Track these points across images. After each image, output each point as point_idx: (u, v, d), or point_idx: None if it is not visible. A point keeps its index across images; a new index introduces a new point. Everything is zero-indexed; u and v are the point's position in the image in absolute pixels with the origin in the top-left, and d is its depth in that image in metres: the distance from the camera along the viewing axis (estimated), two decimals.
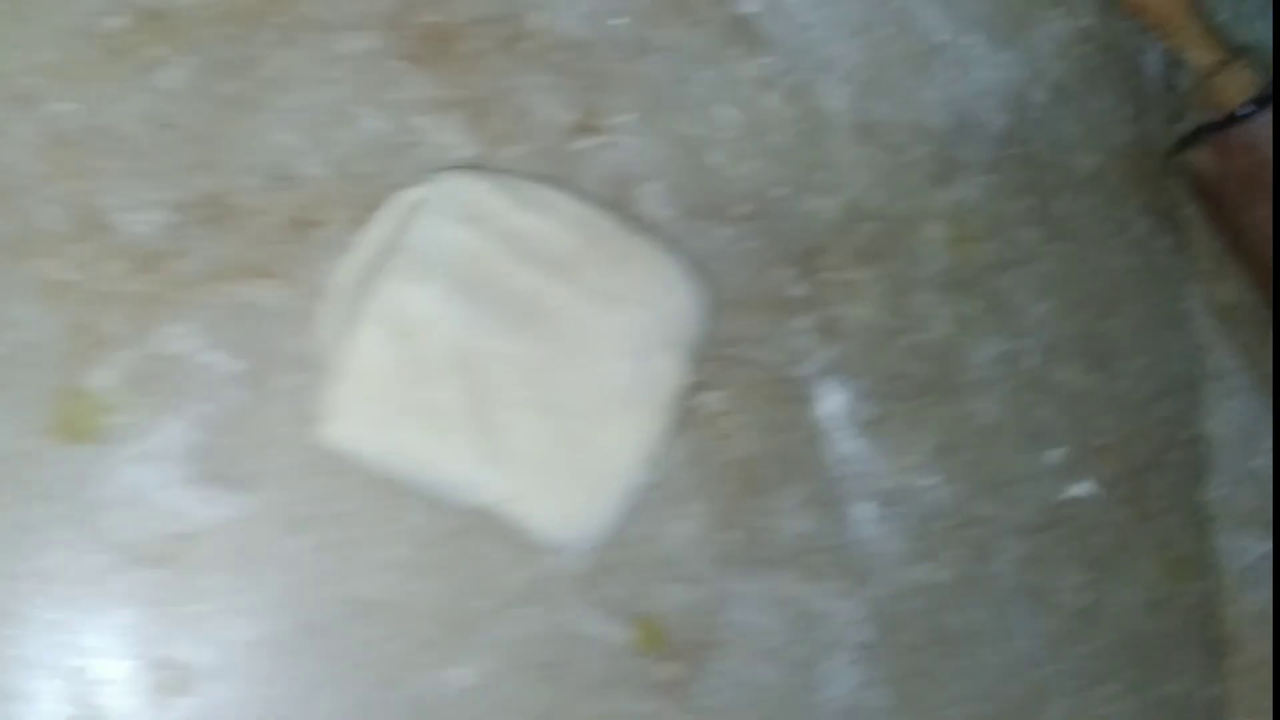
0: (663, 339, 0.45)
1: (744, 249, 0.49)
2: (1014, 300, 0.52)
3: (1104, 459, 0.52)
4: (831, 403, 0.49)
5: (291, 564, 0.44)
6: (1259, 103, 0.53)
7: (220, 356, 0.44)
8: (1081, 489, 0.52)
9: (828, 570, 0.48)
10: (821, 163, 0.50)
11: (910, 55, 0.52)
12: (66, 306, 0.44)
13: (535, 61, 0.48)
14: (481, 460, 0.43)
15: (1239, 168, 0.54)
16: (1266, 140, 0.53)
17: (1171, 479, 0.53)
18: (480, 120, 0.47)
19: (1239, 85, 0.54)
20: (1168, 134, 0.55)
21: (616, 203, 0.48)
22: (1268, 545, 0.54)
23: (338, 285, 0.44)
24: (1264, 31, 0.56)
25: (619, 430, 0.44)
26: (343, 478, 0.44)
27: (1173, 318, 0.55)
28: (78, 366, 0.43)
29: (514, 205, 0.44)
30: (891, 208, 0.51)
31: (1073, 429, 0.52)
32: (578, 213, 0.45)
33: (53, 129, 0.44)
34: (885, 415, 0.49)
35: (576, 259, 0.45)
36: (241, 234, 0.45)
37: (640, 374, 0.45)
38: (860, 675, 0.48)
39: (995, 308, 0.51)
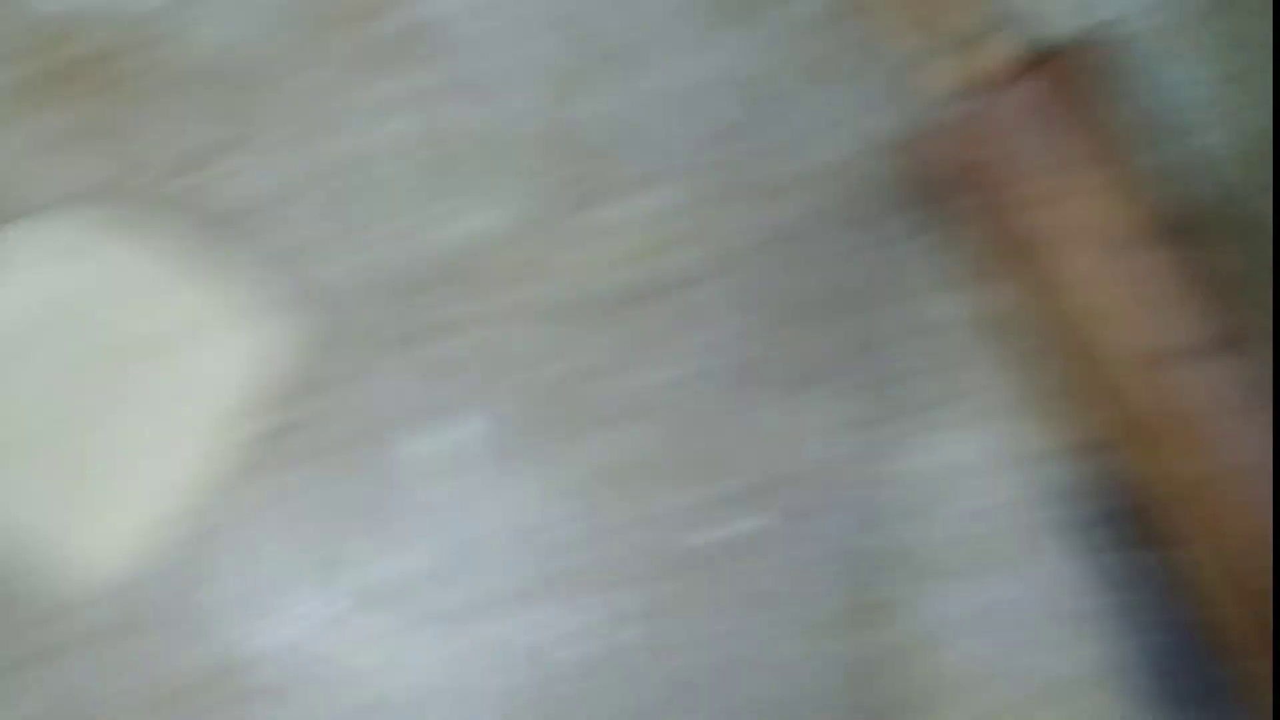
0: (236, 379, 0.45)
1: (377, 278, 0.47)
2: (703, 317, 0.48)
3: (771, 495, 0.48)
4: (450, 438, 0.47)
5: None
6: (1004, 82, 0.48)
7: None
8: (737, 527, 0.48)
9: None
10: (481, 179, 0.48)
11: (607, 51, 0.48)
12: None
13: (157, 91, 0.47)
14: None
15: (981, 155, 0.48)
16: (1007, 125, 0.47)
17: (858, 517, 0.49)
18: (89, 155, 0.46)
19: (986, 63, 0.49)
20: (917, 127, 0.50)
21: (236, 234, 0.47)
22: (978, 598, 0.49)
23: None
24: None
25: (166, 473, 0.44)
26: None
27: (899, 332, 0.50)
28: None
29: (88, 246, 0.45)
30: (563, 222, 0.48)
31: (742, 463, 0.48)
32: (164, 250, 0.45)
33: None
34: (518, 449, 0.47)
35: (154, 299, 0.45)
36: None
37: (196, 415, 0.44)
38: None
39: (677, 327, 0.48)
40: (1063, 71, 0.49)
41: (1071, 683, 0.48)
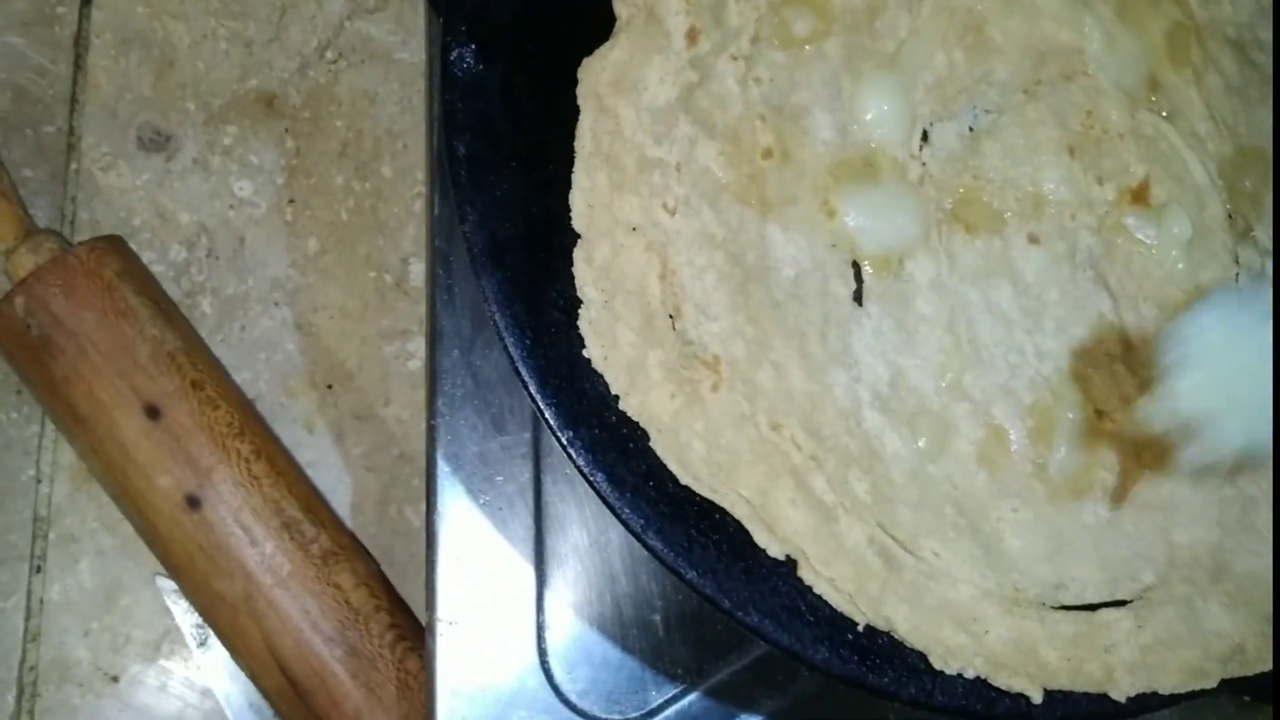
0: None
1: None
2: None
3: None
4: None
5: None
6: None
7: None
8: None
9: None
10: None
11: None
12: None
13: None
14: None
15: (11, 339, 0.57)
16: (38, 313, 0.57)
17: None
18: None
19: (32, 260, 0.59)
20: None
21: None
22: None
23: None
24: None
25: None
26: None
27: (15, 490, 0.58)
28: None
29: None
30: None
31: None
32: None
33: None
34: None
35: None
36: None
37: None
38: None
39: None
40: (82, 268, 0.58)
41: None
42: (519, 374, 0.47)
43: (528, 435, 0.57)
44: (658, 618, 0.56)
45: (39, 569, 0.59)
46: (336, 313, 0.67)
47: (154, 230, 0.67)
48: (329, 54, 0.70)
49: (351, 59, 0.70)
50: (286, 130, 0.68)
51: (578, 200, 0.49)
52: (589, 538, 0.56)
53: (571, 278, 0.49)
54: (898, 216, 0.52)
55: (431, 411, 0.57)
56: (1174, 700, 0.50)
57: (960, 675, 0.48)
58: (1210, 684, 0.50)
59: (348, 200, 0.69)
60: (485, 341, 0.57)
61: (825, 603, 0.48)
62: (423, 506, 0.63)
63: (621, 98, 0.50)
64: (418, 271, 0.68)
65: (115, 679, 0.57)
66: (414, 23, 0.70)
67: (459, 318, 0.57)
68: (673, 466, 0.47)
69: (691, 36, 0.52)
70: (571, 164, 0.50)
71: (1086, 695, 0.49)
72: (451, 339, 0.57)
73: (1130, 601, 0.51)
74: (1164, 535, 0.52)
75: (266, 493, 0.58)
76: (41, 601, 0.58)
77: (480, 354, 0.57)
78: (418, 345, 0.68)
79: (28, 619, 0.57)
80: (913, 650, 0.48)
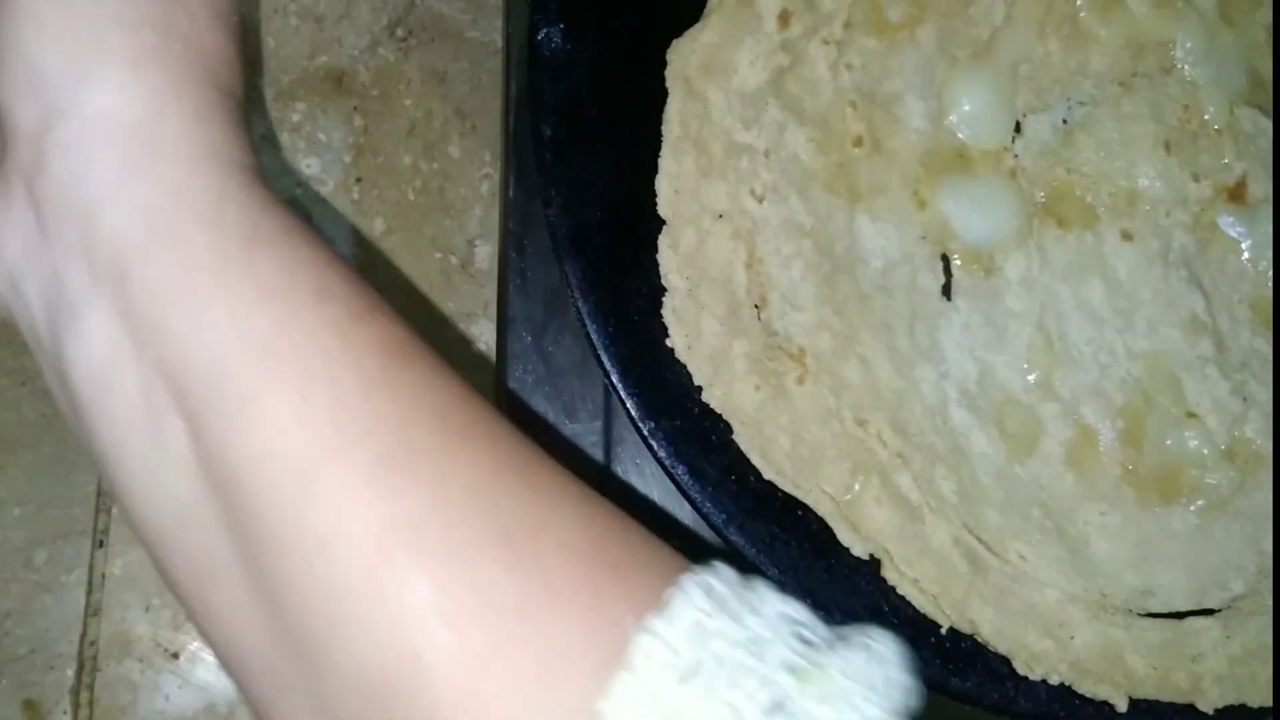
0: None
1: None
2: None
3: None
4: None
5: None
6: None
7: None
8: None
9: None
10: None
11: None
12: None
13: None
14: None
15: None
16: None
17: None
18: None
19: None
20: None
21: None
22: None
23: None
24: None
25: None
26: None
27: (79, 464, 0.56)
28: None
29: None
30: None
31: None
32: None
33: None
34: None
35: None
36: None
37: None
38: None
39: None
40: None
41: None
42: (600, 362, 0.46)
43: (599, 424, 0.56)
44: None
45: (101, 544, 0.58)
46: (402, 293, 0.66)
47: None
48: (399, 31, 0.69)
49: (422, 37, 0.69)
50: (355, 108, 0.67)
51: (664, 185, 0.48)
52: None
53: (655, 265, 0.48)
54: (994, 210, 0.51)
55: (501, 397, 0.56)
56: (1263, 714, 0.48)
57: (1044, 681, 0.47)
58: None
59: (415, 180, 0.68)
60: (558, 327, 0.56)
61: (908, 604, 0.47)
62: None
63: (711, 81, 0.49)
64: (484, 254, 0.67)
65: (175, 655, 0.57)
66: (485, 1, 0.69)
67: (531, 302, 0.57)
68: (756, 460, 0.46)
69: (784, 19, 0.50)
70: (658, 148, 0.49)
71: (1172, 705, 0.48)
72: (523, 324, 0.56)
73: (1219, 610, 0.50)
74: (1255, 544, 0.51)
75: None
76: (103, 576, 0.57)
77: (553, 340, 0.56)
78: (482, 328, 0.67)
79: (89, 594, 0.57)
80: (996, 654, 0.47)
